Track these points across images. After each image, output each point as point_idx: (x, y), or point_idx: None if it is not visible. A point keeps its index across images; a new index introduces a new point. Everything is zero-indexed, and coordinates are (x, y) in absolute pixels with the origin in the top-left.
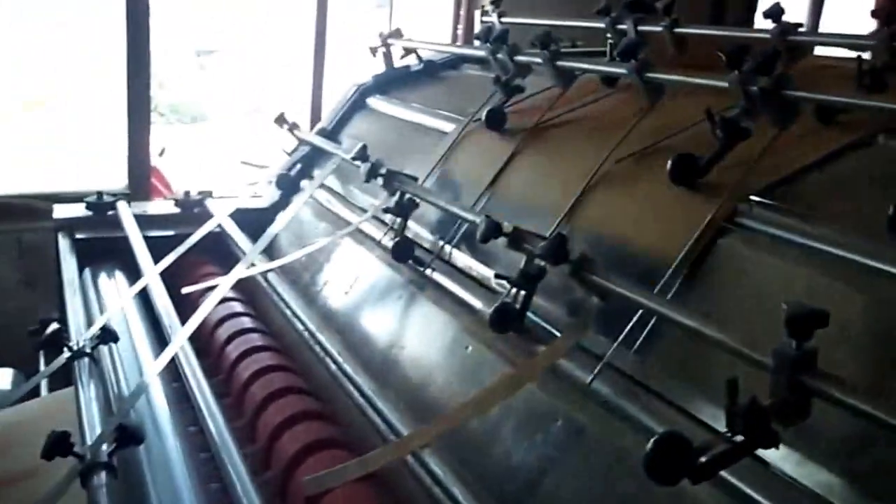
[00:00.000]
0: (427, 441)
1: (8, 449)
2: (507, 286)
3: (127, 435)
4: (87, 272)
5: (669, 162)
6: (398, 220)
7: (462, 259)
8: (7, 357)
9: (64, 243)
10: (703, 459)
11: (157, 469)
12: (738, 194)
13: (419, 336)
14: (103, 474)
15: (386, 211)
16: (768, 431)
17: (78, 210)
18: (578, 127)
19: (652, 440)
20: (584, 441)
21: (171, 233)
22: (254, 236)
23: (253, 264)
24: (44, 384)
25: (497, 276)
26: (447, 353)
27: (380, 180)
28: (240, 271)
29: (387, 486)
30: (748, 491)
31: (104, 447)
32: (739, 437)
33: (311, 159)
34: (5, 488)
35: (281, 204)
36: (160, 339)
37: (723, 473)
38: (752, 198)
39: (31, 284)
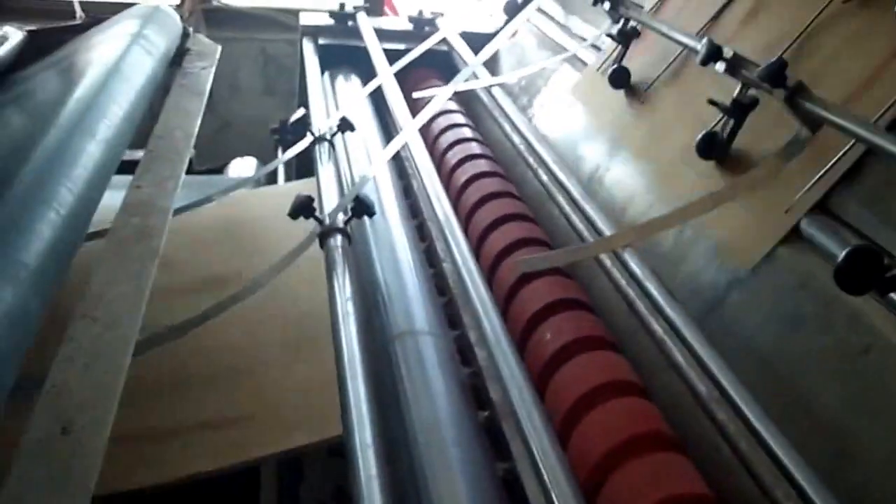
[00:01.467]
0: (629, 241)
1: (250, 222)
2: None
3: (361, 206)
4: (326, 75)
5: None
6: (619, 48)
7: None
8: (252, 154)
9: (308, 47)
10: (892, 274)
11: (382, 243)
12: None
13: (626, 159)
14: (339, 237)
15: (608, 37)
16: None
17: (322, 18)
18: None
19: (845, 251)
20: (771, 266)
21: (402, 46)
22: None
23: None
24: (281, 176)
25: (710, 101)
26: (655, 176)
27: (606, 5)
28: (461, 82)
29: (580, 280)
30: None
31: (340, 215)
32: None
33: None
34: (252, 256)
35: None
36: (389, 137)
37: None
38: None
39: (272, 93)
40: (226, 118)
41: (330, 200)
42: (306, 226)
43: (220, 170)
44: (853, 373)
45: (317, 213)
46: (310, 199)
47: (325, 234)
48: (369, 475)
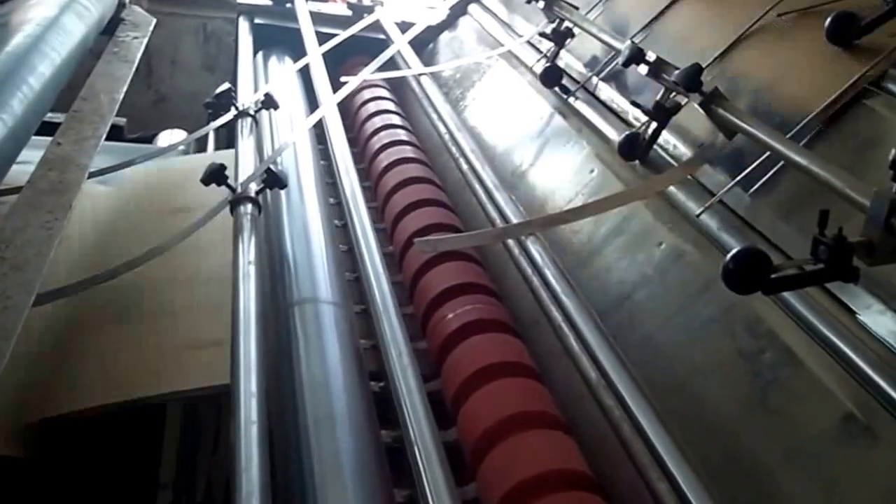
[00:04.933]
0: (532, 230)
1: (177, 189)
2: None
3: (273, 178)
4: (260, 55)
5: (829, 19)
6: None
7: (606, 92)
8: (186, 128)
9: (243, 26)
10: (779, 275)
11: (295, 216)
12: (893, 59)
13: (548, 155)
14: (249, 206)
15: (542, 36)
16: (849, 265)
17: None
18: None
19: (733, 251)
20: (680, 266)
21: (339, 31)
22: (418, 52)
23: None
24: (211, 146)
25: (633, 103)
26: (573, 174)
27: (541, 4)
28: (384, 61)
29: (490, 267)
30: (825, 332)
31: (253, 185)
32: (820, 265)
33: None
34: (171, 217)
35: (446, 24)
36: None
37: (804, 312)
38: None
39: (211, 69)
40: (164, 92)
41: (246, 171)
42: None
43: (150, 139)
44: (749, 373)
45: (232, 183)
46: (222, 167)
47: (236, 202)
48: (249, 421)
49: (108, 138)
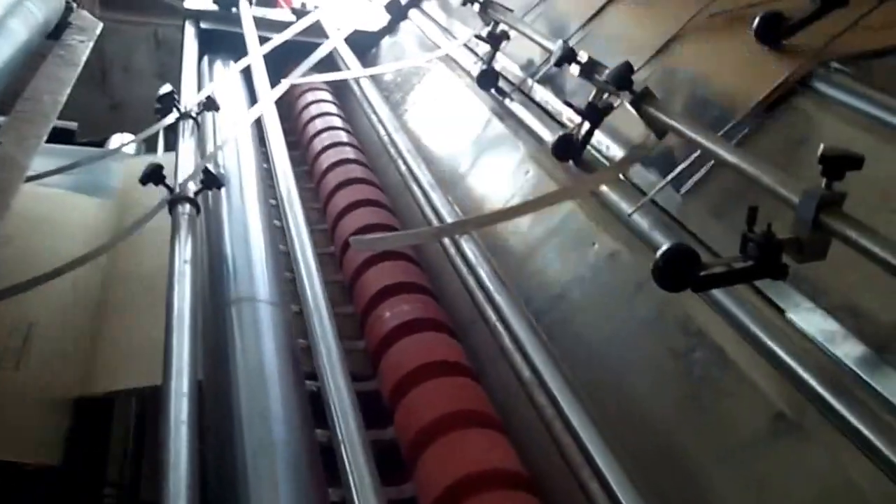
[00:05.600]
0: (466, 230)
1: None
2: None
3: (210, 178)
4: (205, 59)
5: (757, 18)
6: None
7: (541, 94)
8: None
9: (189, 30)
10: (708, 272)
11: (235, 217)
12: (819, 59)
13: (486, 157)
14: (188, 206)
15: (478, 38)
16: (778, 262)
17: (206, 3)
18: None
19: (662, 248)
20: (613, 265)
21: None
22: (361, 56)
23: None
24: (161, 148)
25: (566, 103)
26: (509, 175)
27: (476, 7)
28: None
29: (429, 267)
30: (755, 330)
31: (191, 185)
32: (749, 262)
33: None
34: None
35: (388, 29)
36: (259, 121)
37: (734, 311)
38: (833, 64)
39: (164, 76)
40: (118, 99)
41: (185, 172)
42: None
43: (101, 143)
44: (680, 372)
45: (170, 183)
46: (159, 167)
47: (174, 202)
48: (179, 420)
49: (59, 142)
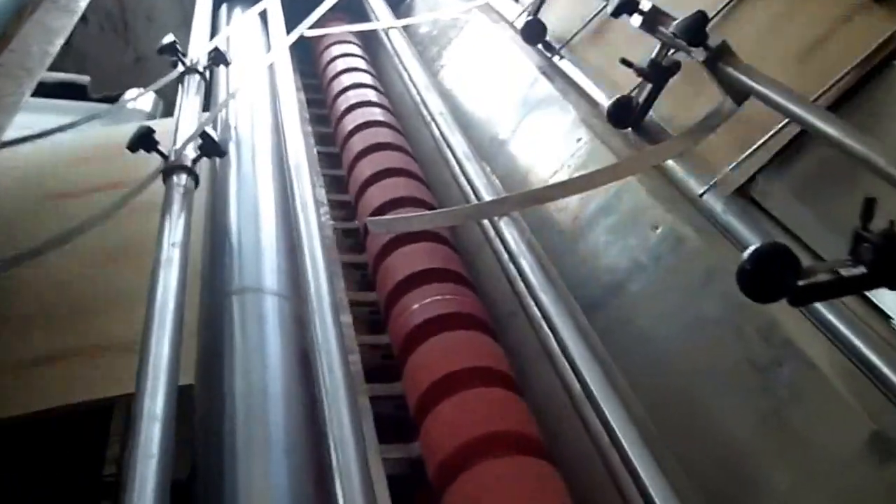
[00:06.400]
0: (504, 211)
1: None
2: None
3: (210, 144)
4: (223, 8)
5: None
6: None
7: (595, 49)
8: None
9: None
10: (809, 281)
11: (245, 191)
12: None
13: (531, 122)
14: (183, 176)
15: None
16: None
17: None
18: None
19: (751, 248)
20: (679, 254)
21: None
22: (394, 6)
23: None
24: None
25: (623, 61)
26: (558, 143)
27: None
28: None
29: (466, 254)
30: (856, 342)
31: (189, 152)
32: (861, 268)
33: None
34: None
35: None
36: None
37: (830, 316)
38: None
39: (190, 25)
40: (142, 51)
41: (185, 136)
42: None
43: (115, 99)
44: (760, 388)
45: (164, 148)
46: (150, 131)
47: (168, 171)
48: (149, 449)
49: (71, 98)
